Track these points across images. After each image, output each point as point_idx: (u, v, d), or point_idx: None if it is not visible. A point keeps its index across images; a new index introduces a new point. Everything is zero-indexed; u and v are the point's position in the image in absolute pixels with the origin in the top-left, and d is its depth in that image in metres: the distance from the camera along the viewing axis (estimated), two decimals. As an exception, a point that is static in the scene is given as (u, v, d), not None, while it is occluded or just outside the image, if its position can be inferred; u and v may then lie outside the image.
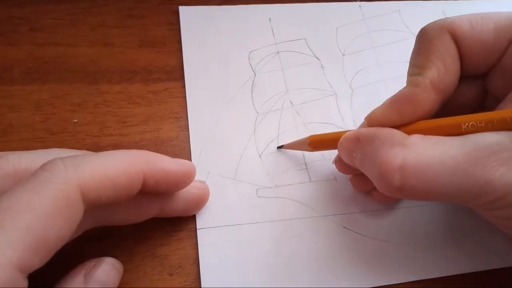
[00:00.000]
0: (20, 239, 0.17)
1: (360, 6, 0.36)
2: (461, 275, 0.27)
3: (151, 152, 0.22)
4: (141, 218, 0.24)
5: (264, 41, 0.34)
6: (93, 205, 0.19)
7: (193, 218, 0.27)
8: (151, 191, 0.22)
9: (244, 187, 0.28)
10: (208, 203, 0.27)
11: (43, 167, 0.19)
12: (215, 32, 0.34)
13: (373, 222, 0.28)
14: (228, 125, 0.30)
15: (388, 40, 0.35)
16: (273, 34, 0.34)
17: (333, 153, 0.29)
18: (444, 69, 0.23)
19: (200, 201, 0.27)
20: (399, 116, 0.24)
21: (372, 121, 0.25)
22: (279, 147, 0.30)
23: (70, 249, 0.25)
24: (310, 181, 0.29)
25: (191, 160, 0.29)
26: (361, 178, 0.28)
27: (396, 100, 0.24)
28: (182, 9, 0.34)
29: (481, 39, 0.23)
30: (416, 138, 0.22)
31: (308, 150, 0.28)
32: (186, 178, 0.24)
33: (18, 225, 0.17)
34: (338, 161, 0.28)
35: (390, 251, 0.27)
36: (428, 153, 0.21)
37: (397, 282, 0.27)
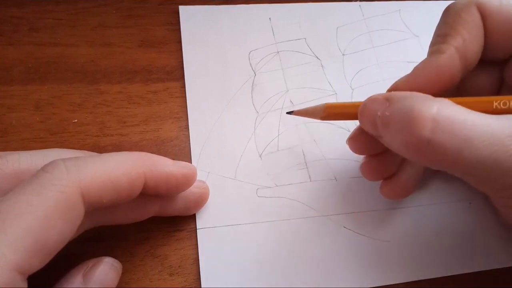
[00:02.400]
0: (20, 241, 0.17)
1: (360, 6, 0.36)
2: (461, 275, 0.27)
3: (152, 155, 0.22)
4: (141, 217, 0.24)
5: (264, 40, 0.34)
6: (94, 207, 0.19)
7: (193, 218, 0.27)
8: (152, 193, 0.22)
9: (244, 187, 0.28)
10: (208, 203, 0.27)
11: (44, 168, 0.19)
12: (215, 31, 0.34)
13: (373, 222, 0.28)
14: (228, 125, 0.30)
15: (388, 40, 0.35)
16: (273, 33, 0.34)
17: (334, 153, 0.30)
18: (469, 37, 0.23)
19: (200, 201, 0.27)
20: (423, 85, 0.23)
21: (396, 89, 0.24)
22: (288, 113, 0.28)
23: (70, 249, 0.25)
24: (310, 181, 0.29)
25: (191, 160, 0.29)
26: (374, 162, 0.26)
27: (420, 69, 0.23)
28: (182, 9, 0.34)
29: (508, 20, 0.23)
30: (450, 102, 0.21)
31: (320, 118, 0.26)
32: (187, 181, 0.24)
33: (18, 227, 0.17)
34: (354, 136, 0.26)
35: (390, 251, 0.27)
36: (463, 113, 0.20)
37: (397, 282, 0.27)
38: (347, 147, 0.27)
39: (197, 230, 0.26)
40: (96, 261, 0.22)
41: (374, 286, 0.26)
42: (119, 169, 0.20)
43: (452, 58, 0.22)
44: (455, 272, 0.27)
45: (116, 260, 0.23)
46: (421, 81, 0.23)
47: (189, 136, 0.30)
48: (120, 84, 0.31)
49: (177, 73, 0.32)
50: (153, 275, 0.25)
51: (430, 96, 0.21)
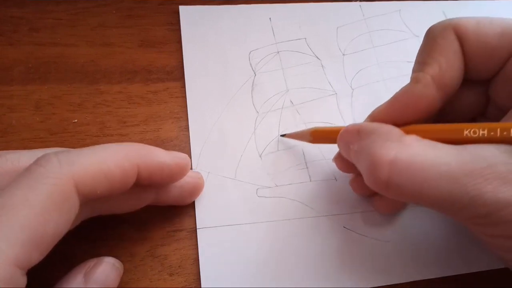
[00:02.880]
0: (17, 235, 0.17)
1: (360, 6, 0.36)
2: (461, 275, 0.27)
3: (145, 145, 0.23)
4: (137, 206, 0.24)
5: (264, 40, 0.34)
6: (88, 198, 0.20)
7: (193, 218, 0.27)
8: (146, 183, 0.22)
9: (244, 187, 0.28)
10: (208, 202, 0.27)
11: (37, 162, 0.19)
12: (215, 31, 0.34)
13: (373, 222, 0.28)
14: (228, 125, 0.30)
15: (388, 40, 0.35)
16: (273, 33, 0.34)
17: (333, 152, 0.29)
18: (446, 64, 0.23)
19: (194, 190, 0.27)
20: (401, 114, 0.23)
21: (374, 118, 0.25)
22: (282, 135, 0.30)
23: (70, 249, 0.25)
24: (311, 181, 0.29)
25: (191, 160, 0.29)
26: (360, 180, 0.27)
27: (398, 97, 0.24)
28: (182, 9, 0.34)
29: (486, 41, 0.23)
30: (413, 139, 0.22)
31: (309, 141, 0.28)
32: (181, 170, 0.24)
33: (14, 221, 0.17)
34: (338, 158, 0.27)
35: (390, 251, 0.27)
36: (422, 154, 0.21)
37: (397, 282, 0.27)
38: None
39: (197, 230, 0.26)
40: (97, 261, 0.22)
41: (374, 286, 0.26)
42: (111, 160, 0.20)
43: (428, 87, 0.23)
44: (455, 272, 0.27)
45: (117, 260, 0.23)
46: (399, 109, 0.24)
47: (189, 136, 0.30)
48: (120, 84, 0.31)
49: (177, 73, 0.32)
50: (153, 275, 0.25)
51: (394, 133, 0.22)
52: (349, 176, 0.29)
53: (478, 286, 0.27)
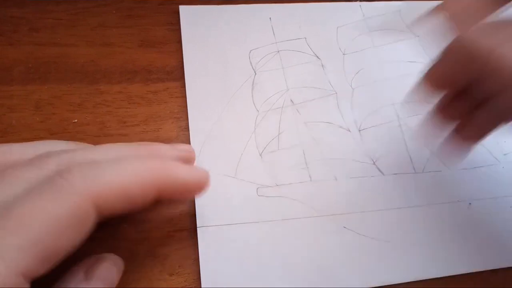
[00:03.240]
0: (31, 247, 0.17)
1: (360, 6, 0.36)
2: (461, 275, 0.27)
3: (166, 161, 0.22)
4: (142, 208, 0.23)
5: (264, 40, 0.34)
6: (105, 216, 0.19)
7: (193, 217, 0.27)
8: (165, 199, 0.22)
9: (245, 186, 0.28)
10: (209, 202, 0.27)
11: (61, 174, 0.18)
12: (215, 31, 0.34)
13: (373, 222, 0.28)
14: (228, 124, 0.30)
15: (388, 40, 0.35)
16: (274, 33, 0.34)
17: (333, 153, 0.30)
18: None
19: (199, 188, 0.25)
20: None
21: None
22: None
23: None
24: (311, 181, 0.29)
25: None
26: (449, 103, 0.25)
27: None
28: (182, 9, 0.34)
29: None
30: None
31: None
32: (200, 188, 0.23)
33: (30, 232, 0.17)
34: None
35: (390, 251, 0.27)
36: None
37: (397, 282, 0.27)
38: (347, 147, 0.27)
39: (197, 229, 0.26)
40: (98, 258, 0.22)
41: (374, 286, 0.26)
42: (134, 181, 0.20)
43: None
44: (455, 272, 0.27)
45: (118, 257, 0.22)
46: None
47: (189, 136, 0.30)
48: (120, 84, 0.31)
49: (177, 73, 0.32)
50: (153, 275, 0.25)
51: None
52: (360, 159, 0.28)
53: (478, 286, 0.27)
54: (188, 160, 0.24)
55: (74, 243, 0.18)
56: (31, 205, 0.17)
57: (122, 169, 0.20)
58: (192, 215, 0.27)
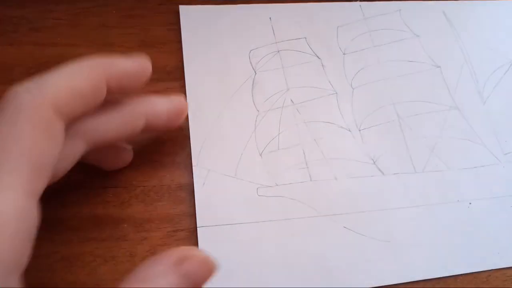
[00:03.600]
0: (20, 166, 0.17)
1: (360, 5, 0.36)
2: (461, 275, 0.27)
3: (105, 57, 0.22)
4: (133, 132, 0.24)
5: (264, 40, 0.34)
6: (69, 119, 0.20)
7: (193, 217, 0.27)
8: (116, 91, 0.22)
9: (245, 186, 0.28)
10: (209, 201, 0.27)
11: (8, 98, 0.19)
12: (215, 31, 0.34)
13: (373, 222, 0.28)
14: (228, 124, 0.30)
15: (388, 40, 0.35)
16: (274, 33, 0.34)
17: (334, 152, 0.29)
18: None
19: (180, 110, 0.27)
20: None
21: None
22: None
23: (70, 249, 0.25)
24: (311, 180, 0.29)
25: (191, 160, 0.29)
26: None
27: None
28: (183, 8, 0.34)
29: None
30: None
31: None
32: (144, 73, 0.24)
33: (13, 155, 0.17)
34: None
35: (390, 251, 0.27)
36: None
37: (397, 282, 0.26)
38: (347, 147, 0.27)
39: (197, 229, 0.26)
40: (187, 251, 0.20)
41: (374, 286, 0.26)
42: (79, 77, 0.20)
43: None
44: (455, 272, 0.27)
45: (211, 258, 0.20)
46: None
47: (189, 136, 0.29)
48: (120, 84, 0.31)
49: (177, 73, 0.32)
50: (153, 275, 0.25)
51: None
52: (360, 159, 0.28)
53: (478, 286, 0.27)
54: (145, 69, 0.24)
55: (55, 151, 0.19)
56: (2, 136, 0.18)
57: (65, 71, 0.20)
58: (192, 215, 0.27)
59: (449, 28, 0.37)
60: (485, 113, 0.33)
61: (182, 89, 0.31)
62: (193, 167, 0.28)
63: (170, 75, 0.32)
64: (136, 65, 0.23)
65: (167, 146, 0.29)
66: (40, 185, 0.18)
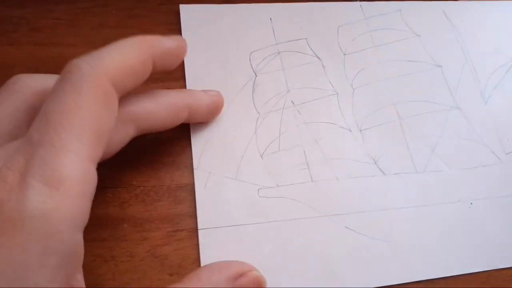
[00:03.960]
0: (84, 135, 0.19)
1: (361, 5, 0.36)
2: (462, 275, 0.27)
3: (152, 36, 0.24)
4: (176, 123, 0.27)
5: (265, 41, 0.34)
6: (121, 92, 0.21)
7: (193, 217, 0.27)
8: (158, 69, 0.24)
9: (246, 187, 0.28)
10: (210, 203, 0.27)
11: (69, 70, 0.20)
12: (216, 31, 0.33)
13: (374, 222, 0.28)
14: (229, 126, 0.30)
15: (389, 40, 0.35)
16: (274, 34, 0.34)
17: (334, 153, 0.29)
18: None
19: (219, 106, 0.29)
20: None
21: None
22: None
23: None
24: (312, 181, 0.29)
25: (192, 161, 0.29)
26: None
27: None
28: (183, 7, 0.34)
29: None
30: None
31: None
32: (182, 51, 0.25)
33: (77, 122, 0.18)
34: None
35: (390, 251, 0.27)
36: None
37: (397, 282, 0.26)
38: (348, 147, 0.27)
39: (198, 231, 0.26)
40: (246, 266, 0.23)
41: (374, 286, 0.26)
42: (131, 54, 0.22)
43: None
44: (456, 273, 0.27)
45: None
46: None
47: (190, 137, 0.29)
48: (120, 84, 0.31)
49: (177, 73, 0.32)
50: (153, 275, 0.25)
51: None
52: (360, 159, 0.29)
53: (478, 287, 0.27)
54: (182, 48, 0.26)
55: (111, 122, 0.21)
56: (62, 103, 0.19)
57: (120, 49, 0.22)
58: (192, 216, 0.27)
59: (450, 28, 0.37)
60: (487, 113, 0.33)
61: (182, 89, 0.31)
62: (194, 170, 0.28)
63: (170, 75, 0.32)
64: (176, 44, 0.25)
65: (167, 146, 0.29)
66: (99, 152, 0.20)
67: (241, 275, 0.22)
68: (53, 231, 0.17)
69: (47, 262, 0.17)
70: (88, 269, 0.24)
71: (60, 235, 0.17)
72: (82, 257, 0.19)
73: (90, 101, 0.19)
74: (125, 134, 0.24)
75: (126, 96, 0.24)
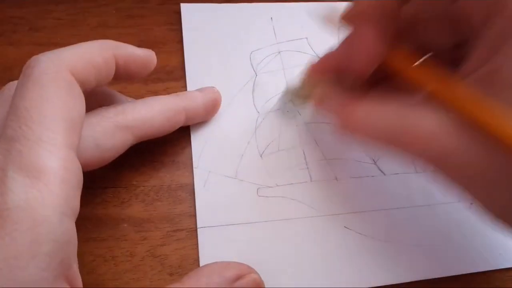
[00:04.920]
0: (55, 122, 0.19)
1: (361, 5, 0.36)
2: (462, 275, 0.27)
3: (116, 41, 0.24)
4: (174, 127, 0.27)
5: (265, 41, 0.34)
6: (85, 86, 0.21)
7: (193, 217, 0.27)
8: (123, 73, 0.24)
9: (245, 187, 0.28)
10: (209, 202, 0.27)
11: (30, 65, 0.20)
12: (216, 30, 0.33)
13: (373, 222, 0.28)
14: (229, 125, 0.30)
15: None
16: (275, 33, 0.34)
17: (334, 153, 0.30)
18: None
19: (216, 103, 0.30)
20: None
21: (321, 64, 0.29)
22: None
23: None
24: (311, 181, 0.29)
25: (192, 160, 0.29)
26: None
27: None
28: (184, 6, 0.34)
29: None
30: None
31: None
32: (149, 63, 0.26)
33: (47, 113, 0.19)
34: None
35: (390, 251, 0.27)
36: None
37: (397, 282, 0.26)
38: (348, 147, 0.27)
39: (197, 230, 0.26)
40: (245, 268, 0.23)
41: (374, 286, 0.26)
42: (92, 50, 0.22)
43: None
44: (456, 273, 0.27)
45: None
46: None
47: (189, 136, 0.29)
48: (120, 84, 0.31)
49: (177, 73, 0.32)
50: (153, 275, 0.25)
51: None
52: (360, 159, 0.29)
53: (478, 287, 0.27)
54: (151, 59, 0.26)
55: (81, 110, 0.21)
56: (28, 98, 0.19)
57: (80, 46, 0.22)
58: (192, 215, 0.27)
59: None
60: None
61: (182, 89, 0.31)
62: (194, 169, 0.28)
63: (170, 75, 0.32)
64: (142, 53, 0.25)
65: (167, 146, 0.29)
66: (75, 139, 0.20)
67: (240, 277, 0.23)
68: (41, 220, 0.17)
69: (38, 251, 0.17)
70: (88, 269, 0.25)
71: (48, 223, 0.17)
72: (76, 246, 0.19)
73: (53, 92, 0.20)
74: (122, 142, 0.24)
75: (121, 105, 0.25)
